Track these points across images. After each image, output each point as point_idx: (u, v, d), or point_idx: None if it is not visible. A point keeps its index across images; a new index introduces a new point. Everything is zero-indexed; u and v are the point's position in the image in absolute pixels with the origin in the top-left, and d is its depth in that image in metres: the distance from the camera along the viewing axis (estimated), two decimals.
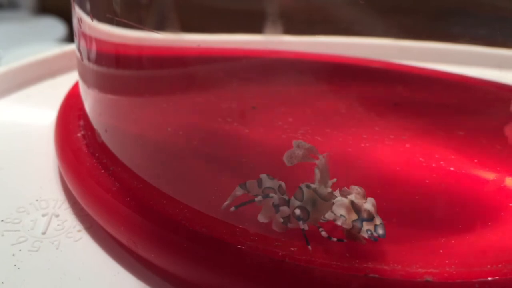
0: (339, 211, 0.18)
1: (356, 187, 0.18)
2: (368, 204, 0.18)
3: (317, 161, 0.18)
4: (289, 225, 0.19)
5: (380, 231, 0.18)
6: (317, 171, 0.19)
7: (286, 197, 0.19)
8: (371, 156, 0.26)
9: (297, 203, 0.19)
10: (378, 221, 0.18)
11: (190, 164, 0.24)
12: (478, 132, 0.28)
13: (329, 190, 0.19)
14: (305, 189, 0.19)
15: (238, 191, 0.19)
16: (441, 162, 0.25)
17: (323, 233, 0.18)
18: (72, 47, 0.39)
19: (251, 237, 0.19)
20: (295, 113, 0.29)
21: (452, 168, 0.25)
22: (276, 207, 0.19)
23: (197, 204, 0.21)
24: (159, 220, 0.21)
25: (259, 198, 0.19)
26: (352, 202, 0.18)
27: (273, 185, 0.19)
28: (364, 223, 0.18)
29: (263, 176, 0.19)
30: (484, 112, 0.31)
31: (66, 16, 1.05)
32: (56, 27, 1.05)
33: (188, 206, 0.21)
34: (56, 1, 1.12)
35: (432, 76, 0.35)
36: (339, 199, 0.18)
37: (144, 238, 0.21)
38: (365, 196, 0.18)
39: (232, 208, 0.20)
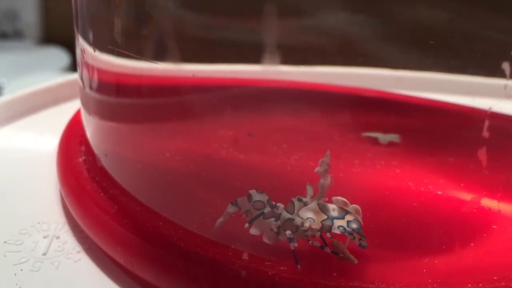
0: (306, 214, 0.19)
1: (338, 197, 0.19)
2: (350, 208, 0.19)
3: (322, 179, 0.19)
4: (280, 237, 0.20)
5: (354, 225, 0.18)
6: (308, 187, 0.20)
7: (275, 210, 0.20)
8: (362, 181, 0.27)
9: (288, 215, 0.19)
10: (351, 217, 0.19)
11: (186, 187, 0.25)
12: (467, 157, 0.28)
13: None
14: (296, 203, 0.20)
15: (231, 209, 0.20)
16: (430, 186, 0.26)
17: (316, 243, 0.19)
18: (74, 76, 0.40)
19: (243, 257, 0.20)
20: (289, 139, 0.30)
21: (439, 192, 0.26)
22: (266, 219, 0.20)
23: (192, 225, 0.22)
24: (155, 241, 0.22)
25: (268, 209, 0.20)
26: (318, 204, 0.19)
27: (262, 198, 0.20)
28: (335, 220, 0.19)
29: (252, 191, 0.20)
30: (474, 138, 0.32)
31: (69, 46, 1.07)
32: (60, 56, 1.07)
33: (183, 228, 0.22)
34: (60, 31, 1.13)
35: (424, 104, 0.36)
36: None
37: (141, 258, 0.22)
38: (347, 204, 0.19)
39: (219, 221, 0.21)
